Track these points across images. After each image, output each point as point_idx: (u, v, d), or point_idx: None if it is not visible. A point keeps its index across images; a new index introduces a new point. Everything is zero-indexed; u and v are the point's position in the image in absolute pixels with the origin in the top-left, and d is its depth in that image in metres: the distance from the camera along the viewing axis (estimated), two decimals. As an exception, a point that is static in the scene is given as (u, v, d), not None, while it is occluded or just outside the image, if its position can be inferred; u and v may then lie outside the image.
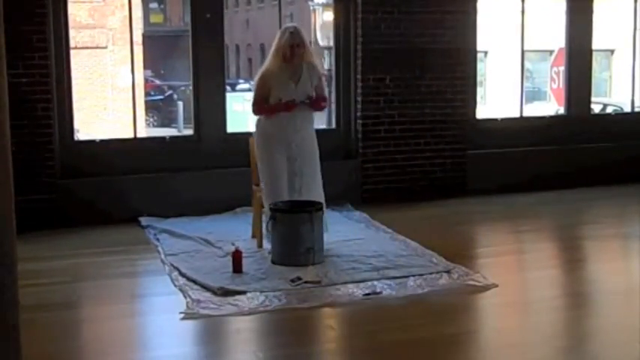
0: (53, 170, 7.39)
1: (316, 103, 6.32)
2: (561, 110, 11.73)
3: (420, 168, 8.46)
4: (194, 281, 5.58)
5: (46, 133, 7.33)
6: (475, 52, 8.81)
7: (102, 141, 8.02)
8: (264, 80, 6.23)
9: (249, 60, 36.37)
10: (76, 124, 8.13)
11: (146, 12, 31.74)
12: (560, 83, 19.58)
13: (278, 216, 5.98)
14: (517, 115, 9.43)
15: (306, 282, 5.51)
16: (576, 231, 7.55)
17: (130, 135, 8.43)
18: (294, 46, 6.14)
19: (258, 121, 6.38)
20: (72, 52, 7.69)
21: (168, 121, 25.64)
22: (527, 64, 12.59)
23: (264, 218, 6.29)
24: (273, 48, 6.26)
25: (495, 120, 9.26)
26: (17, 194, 2.90)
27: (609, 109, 15.54)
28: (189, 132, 8.51)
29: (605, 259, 6.58)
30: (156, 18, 36.64)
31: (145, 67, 22.90)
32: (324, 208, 6.21)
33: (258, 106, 6.26)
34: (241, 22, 35.79)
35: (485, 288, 5.45)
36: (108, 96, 19.69)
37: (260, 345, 4.75)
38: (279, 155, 6.27)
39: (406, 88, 8.32)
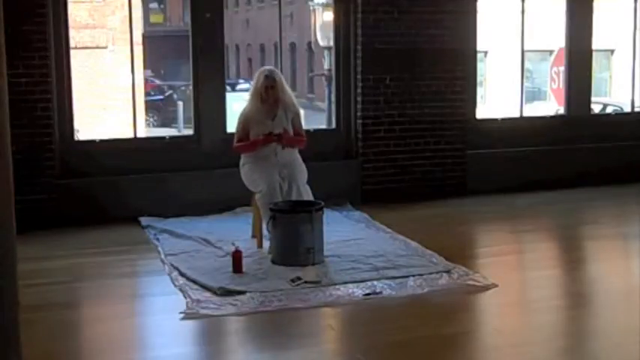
0: (53, 170, 7.39)
1: (293, 139, 6.54)
2: (561, 110, 11.73)
3: (420, 168, 8.46)
4: (194, 281, 5.58)
5: (46, 133, 7.33)
6: (475, 52, 8.80)
7: (102, 141, 8.01)
8: (245, 121, 6.56)
9: (249, 60, 36.38)
10: (76, 124, 8.13)
11: (146, 12, 31.75)
12: (560, 83, 19.59)
13: (278, 216, 5.98)
14: (517, 115, 9.42)
15: (306, 282, 5.51)
16: (576, 231, 7.55)
17: (130, 135, 8.44)
18: (269, 88, 6.48)
19: (242, 159, 6.62)
20: (72, 52, 7.69)
21: (168, 121, 25.64)
22: (527, 64, 12.59)
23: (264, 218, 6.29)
24: (251, 90, 6.70)
25: (495, 120, 9.25)
26: (17, 194, 2.90)
27: (609, 109, 15.55)
28: (189, 132, 8.50)
29: (605, 259, 6.58)
30: (156, 18, 36.66)
31: (145, 67, 22.89)
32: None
33: (241, 144, 6.55)
34: (241, 22, 35.80)
35: (485, 288, 5.45)
36: (108, 96, 19.66)
37: (260, 345, 4.75)
38: (270, 167, 6.40)
39: (406, 88, 8.32)
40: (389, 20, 8.18)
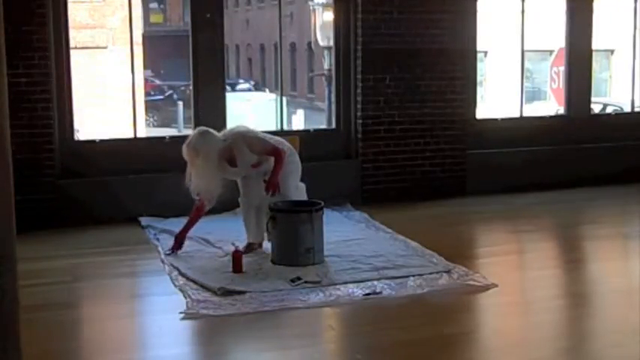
0: (53, 170, 7.39)
1: (276, 176, 6.10)
2: (561, 110, 11.73)
3: (420, 168, 8.46)
4: (194, 281, 5.58)
5: (46, 133, 7.33)
6: (475, 52, 8.81)
7: (102, 141, 8.01)
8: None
9: (249, 60, 36.40)
10: (76, 124, 8.13)
11: (146, 12, 31.75)
12: (560, 83, 19.57)
13: (278, 216, 5.98)
14: (517, 115, 9.43)
15: (306, 282, 5.51)
16: (576, 231, 7.55)
17: (130, 135, 8.44)
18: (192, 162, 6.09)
19: None
20: (72, 52, 7.69)
21: (168, 121, 25.63)
22: (527, 64, 12.58)
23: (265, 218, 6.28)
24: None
25: (495, 120, 9.26)
26: (17, 194, 2.90)
27: (609, 109, 15.54)
28: (189, 132, 8.50)
29: (605, 259, 6.58)
30: (156, 18, 36.66)
31: (145, 67, 22.88)
32: None
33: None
34: (241, 22, 35.81)
35: (486, 288, 5.45)
36: (108, 96, 19.67)
37: (260, 345, 4.75)
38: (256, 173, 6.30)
39: (406, 88, 8.32)
40: (389, 20, 8.18)
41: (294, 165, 6.38)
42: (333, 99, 8.69)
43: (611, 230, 7.35)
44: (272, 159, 6.16)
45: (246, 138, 6.15)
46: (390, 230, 7.00)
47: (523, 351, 4.49)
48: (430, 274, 5.69)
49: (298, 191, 6.37)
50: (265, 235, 6.24)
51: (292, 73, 32.41)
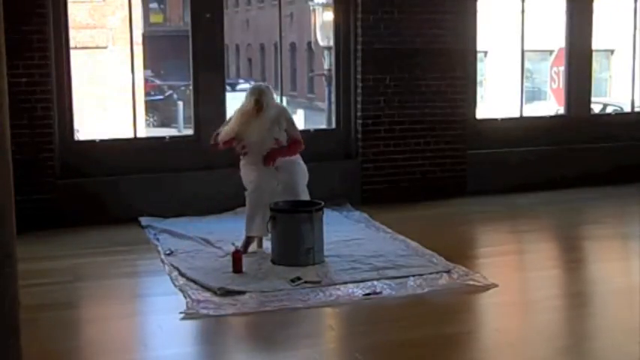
0: (53, 170, 7.39)
1: (280, 152, 6.33)
2: (561, 110, 11.72)
3: (420, 168, 8.46)
4: (194, 281, 5.58)
5: (46, 133, 7.33)
6: (475, 52, 8.81)
7: (102, 141, 8.02)
8: (238, 134, 6.37)
9: (249, 60, 36.40)
10: (76, 124, 8.13)
11: (146, 12, 31.71)
12: (560, 83, 19.56)
13: (278, 216, 5.98)
14: (517, 115, 9.43)
15: (306, 282, 5.52)
16: (576, 231, 7.55)
17: (130, 135, 8.44)
18: (257, 109, 6.30)
19: (242, 159, 6.49)
20: (72, 52, 7.69)
21: (168, 121, 25.63)
22: (527, 64, 12.58)
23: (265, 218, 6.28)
24: (240, 111, 6.40)
25: (495, 120, 9.26)
26: (17, 194, 2.90)
27: (609, 109, 15.54)
28: (189, 132, 8.51)
29: (605, 259, 6.58)
30: (156, 18, 36.64)
31: (145, 67, 22.87)
32: None
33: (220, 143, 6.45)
34: (241, 22, 35.81)
35: (486, 288, 5.45)
36: (108, 96, 19.66)
37: (260, 345, 4.75)
38: (266, 169, 6.33)
39: (406, 88, 8.32)
40: (389, 20, 8.18)
41: (301, 167, 6.46)
42: (333, 99, 8.69)
43: (611, 230, 7.35)
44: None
45: (287, 116, 6.54)
46: (390, 230, 7.00)
47: (523, 351, 4.50)
48: (430, 274, 5.70)
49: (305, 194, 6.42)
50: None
51: (292, 73, 32.40)
